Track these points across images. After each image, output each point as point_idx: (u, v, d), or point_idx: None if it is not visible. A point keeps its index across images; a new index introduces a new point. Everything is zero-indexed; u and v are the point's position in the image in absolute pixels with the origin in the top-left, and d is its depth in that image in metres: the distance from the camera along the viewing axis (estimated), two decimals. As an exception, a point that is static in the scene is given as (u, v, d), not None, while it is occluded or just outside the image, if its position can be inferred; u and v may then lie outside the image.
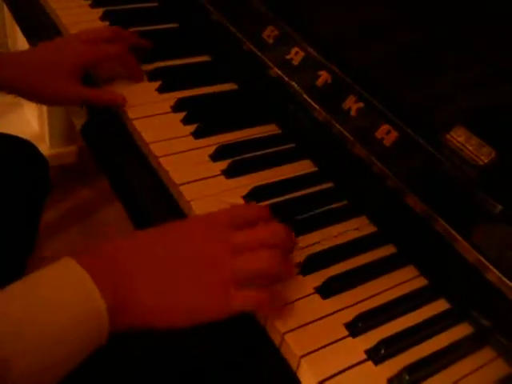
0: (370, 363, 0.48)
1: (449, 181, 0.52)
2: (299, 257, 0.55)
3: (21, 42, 1.53)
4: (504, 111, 0.53)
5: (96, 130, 0.74)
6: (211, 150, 0.65)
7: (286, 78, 0.67)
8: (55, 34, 0.83)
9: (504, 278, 0.48)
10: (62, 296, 0.41)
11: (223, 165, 0.64)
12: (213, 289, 0.46)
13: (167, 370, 0.57)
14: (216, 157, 0.64)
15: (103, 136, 0.72)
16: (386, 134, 0.57)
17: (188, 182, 0.61)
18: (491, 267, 0.48)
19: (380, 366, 0.48)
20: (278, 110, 0.71)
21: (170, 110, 0.70)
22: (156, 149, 0.64)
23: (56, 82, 0.68)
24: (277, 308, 0.49)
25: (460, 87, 0.56)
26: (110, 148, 0.71)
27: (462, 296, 0.54)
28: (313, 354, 0.48)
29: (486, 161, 0.50)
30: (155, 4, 0.92)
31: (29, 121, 1.67)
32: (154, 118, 0.69)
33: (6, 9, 1.40)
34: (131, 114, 0.68)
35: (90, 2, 0.88)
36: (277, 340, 0.49)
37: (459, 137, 0.52)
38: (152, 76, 0.75)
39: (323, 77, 0.63)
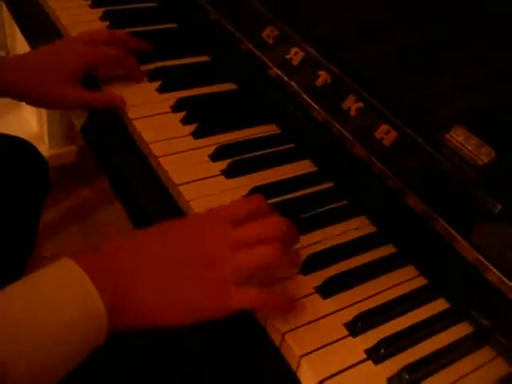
0: (369, 363, 0.48)
1: (448, 181, 0.52)
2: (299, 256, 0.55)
3: (20, 42, 1.53)
4: (503, 111, 0.53)
5: (96, 129, 0.74)
6: (211, 149, 0.65)
7: (286, 78, 0.67)
8: (55, 34, 0.83)
9: (504, 278, 0.48)
10: (62, 296, 0.41)
11: (223, 165, 0.64)
12: (212, 287, 0.46)
13: (167, 369, 0.57)
14: (216, 157, 0.64)
15: (103, 136, 0.72)
16: (386, 133, 0.57)
17: (187, 182, 0.61)
18: (491, 267, 0.48)
19: (380, 366, 0.48)
20: (277, 109, 0.71)
21: (169, 110, 0.70)
22: (156, 149, 0.64)
23: (57, 85, 0.68)
24: (278, 307, 0.49)
25: (459, 87, 0.56)
26: (109, 148, 0.71)
27: (461, 296, 0.54)
28: (313, 354, 0.48)
29: (485, 160, 0.50)
30: (154, 4, 0.92)
31: (28, 121, 1.67)
32: (154, 118, 0.69)
33: (5, 8, 1.40)
34: (131, 114, 0.68)
35: (89, 3, 0.88)
36: (277, 340, 0.49)
37: (458, 137, 0.52)
38: (152, 76, 0.75)
39: (323, 77, 0.63)
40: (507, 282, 0.48)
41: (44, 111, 1.53)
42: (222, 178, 0.62)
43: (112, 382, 0.57)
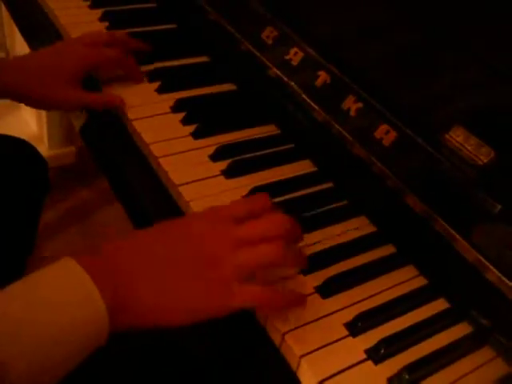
0: (369, 363, 0.48)
1: (448, 181, 0.52)
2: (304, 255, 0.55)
3: (19, 42, 1.53)
4: (503, 111, 0.53)
5: (95, 130, 0.74)
6: (211, 150, 0.65)
7: (285, 79, 0.67)
8: (53, 34, 0.83)
9: (503, 278, 0.48)
10: (62, 296, 0.41)
11: (223, 165, 0.64)
12: (213, 287, 0.46)
13: (167, 369, 0.57)
14: (215, 157, 0.64)
15: (103, 136, 0.72)
16: (385, 133, 0.57)
17: (187, 183, 0.61)
18: (491, 267, 0.48)
19: (380, 366, 0.48)
20: (277, 110, 0.72)
21: (169, 110, 0.70)
22: (155, 149, 0.64)
23: (57, 86, 0.68)
24: (281, 306, 0.49)
25: (458, 87, 0.56)
26: (109, 148, 0.71)
27: (461, 295, 0.54)
28: (313, 354, 0.48)
29: (485, 161, 0.50)
30: (154, 5, 0.92)
31: (27, 122, 1.67)
32: (154, 118, 0.69)
33: (4, 8, 1.39)
34: (131, 115, 0.68)
35: (88, 3, 0.88)
36: (277, 340, 0.49)
37: (458, 137, 0.52)
38: (151, 77, 0.75)
39: (322, 77, 0.63)
40: (507, 281, 0.48)
41: (43, 112, 1.53)
42: (221, 178, 0.62)
43: (112, 381, 0.57)
